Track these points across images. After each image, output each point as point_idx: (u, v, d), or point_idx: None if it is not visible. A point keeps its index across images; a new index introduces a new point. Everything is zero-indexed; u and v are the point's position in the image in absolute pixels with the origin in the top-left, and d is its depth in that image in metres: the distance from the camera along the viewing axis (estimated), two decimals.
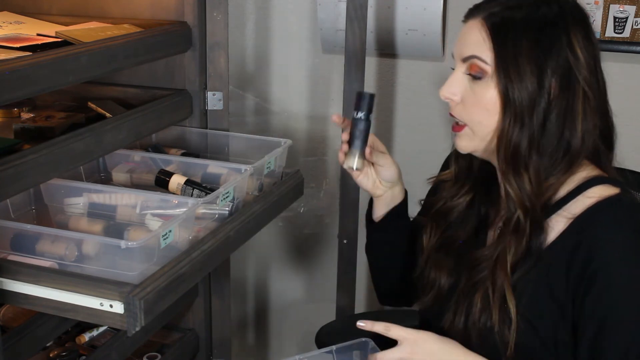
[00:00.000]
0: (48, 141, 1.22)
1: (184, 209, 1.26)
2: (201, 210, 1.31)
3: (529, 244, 1.12)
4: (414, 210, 1.41)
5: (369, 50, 1.90)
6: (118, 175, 1.50)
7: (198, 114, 1.64)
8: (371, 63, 2.02)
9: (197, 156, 1.57)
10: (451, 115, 1.17)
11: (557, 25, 1.09)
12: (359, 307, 2.18)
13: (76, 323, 1.44)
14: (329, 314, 1.98)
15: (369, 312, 2.22)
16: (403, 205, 1.37)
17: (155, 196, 1.32)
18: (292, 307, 2.40)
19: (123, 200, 1.32)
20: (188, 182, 1.38)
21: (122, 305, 1.08)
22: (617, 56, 1.80)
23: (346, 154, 1.23)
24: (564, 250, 1.09)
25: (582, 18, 1.12)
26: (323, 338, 1.64)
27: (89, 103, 1.51)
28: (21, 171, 1.14)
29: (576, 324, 1.09)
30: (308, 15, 2.07)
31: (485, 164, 1.23)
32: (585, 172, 1.14)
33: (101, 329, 1.55)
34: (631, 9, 1.76)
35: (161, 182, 1.40)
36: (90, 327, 1.55)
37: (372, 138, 1.26)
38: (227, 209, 1.36)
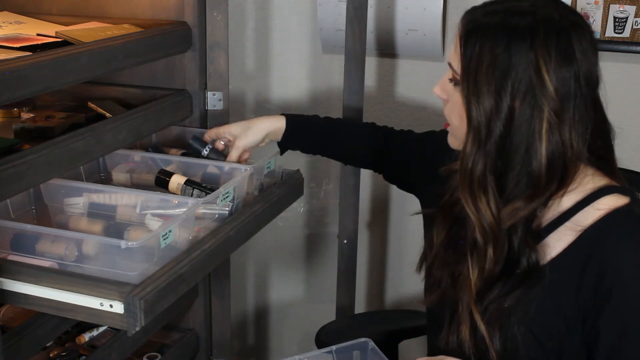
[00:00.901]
0: (48, 141, 1.22)
1: (184, 209, 1.26)
2: (201, 210, 1.31)
3: (518, 263, 1.08)
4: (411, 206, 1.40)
5: (369, 50, 1.90)
6: (118, 175, 1.50)
7: (198, 114, 1.64)
8: (371, 63, 2.02)
9: (196, 156, 1.57)
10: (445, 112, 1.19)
11: (525, 40, 1.01)
12: (359, 307, 2.18)
13: (76, 323, 1.44)
14: (329, 314, 1.98)
15: (369, 312, 2.22)
16: (287, 134, 1.52)
17: (155, 196, 1.32)
18: (292, 307, 2.40)
19: (123, 200, 1.32)
20: (188, 182, 1.38)
21: (122, 305, 1.08)
22: (617, 56, 1.79)
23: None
24: (574, 264, 1.07)
25: (561, 29, 1.03)
26: (323, 338, 1.64)
27: (89, 103, 1.52)
28: (21, 171, 1.14)
29: (587, 339, 1.08)
30: (308, 15, 2.07)
31: None
32: (592, 182, 1.11)
33: (101, 329, 1.55)
34: (631, 9, 1.76)
35: (161, 182, 1.40)
36: (90, 327, 1.55)
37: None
38: (227, 209, 1.36)
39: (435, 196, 1.27)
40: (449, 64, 1.12)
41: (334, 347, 1.30)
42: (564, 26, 1.03)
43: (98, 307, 1.10)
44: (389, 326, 1.69)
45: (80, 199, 1.33)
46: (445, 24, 1.93)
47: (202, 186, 1.39)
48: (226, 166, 1.48)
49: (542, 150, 1.03)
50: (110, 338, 1.47)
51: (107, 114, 1.47)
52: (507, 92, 1.03)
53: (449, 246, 1.22)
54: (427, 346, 1.34)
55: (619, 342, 1.04)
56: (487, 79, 1.03)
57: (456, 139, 1.16)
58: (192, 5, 1.56)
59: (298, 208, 2.23)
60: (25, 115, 1.52)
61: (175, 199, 1.31)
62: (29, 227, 1.20)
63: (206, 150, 1.52)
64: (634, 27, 1.77)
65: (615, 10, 1.77)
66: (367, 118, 1.96)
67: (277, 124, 1.52)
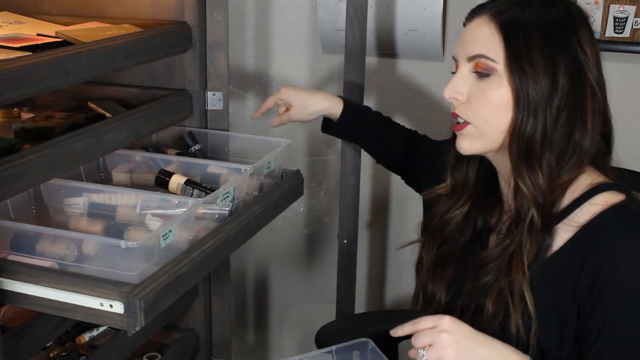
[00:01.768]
0: (48, 141, 1.22)
1: (184, 209, 1.26)
2: (201, 210, 1.31)
3: (539, 247, 1.11)
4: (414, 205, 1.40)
5: (369, 50, 1.90)
6: (118, 175, 1.50)
7: (198, 114, 1.64)
8: (371, 63, 2.02)
9: (194, 155, 1.57)
10: (454, 115, 1.16)
11: (567, 24, 1.09)
12: (359, 307, 2.18)
13: (76, 323, 1.43)
14: (329, 314, 1.98)
15: (369, 313, 2.22)
16: (342, 119, 1.57)
17: (155, 196, 1.32)
18: (292, 307, 2.40)
19: (123, 200, 1.32)
20: (188, 182, 1.38)
21: (122, 305, 1.08)
22: (617, 56, 1.79)
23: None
24: (571, 261, 1.08)
25: (586, 20, 1.13)
26: (323, 338, 1.64)
27: (89, 103, 1.51)
28: (21, 171, 1.14)
29: (580, 335, 1.08)
30: (308, 15, 2.07)
31: (482, 173, 1.23)
32: (589, 178, 1.13)
33: (101, 329, 1.55)
34: (631, 9, 1.76)
35: (161, 182, 1.40)
36: (90, 327, 1.55)
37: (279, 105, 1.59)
38: (227, 209, 1.36)
39: (424, 222, 1.33)
40: (478, 55, 1.11)
41: (334, 347, 1.30)
42: (586, 18, 1.13)
43: (98, 307, 1.10)
44: (389, 326, 1.68)
45: (80, 199, 1.33)
46: (445, 24, 1.93)
47: (202, 186, 1.39)
48: (226, 166, 1.48)
49: (589, 122, 1.10)
50: (110, 338, 1.47)
51: (107, 114, 1.47)
52: (561, 66, 1.08)
53: (438, 264, 1.25)
54: None
55: (613, 337, 1.05)
56: (542, 55, 1.07)
57: (476, 139, 1.14)
58: (192, 5, 1.56)
59: (298, 208, 2.23)
60: (25, 115, 1.52)
61: (175, 199, 1.31)
62: (29, 227, 1.20)
63: (193, 149, 1.57)
64: (634, 27, 1.77)
65: (615, 10, 1.77)
66: None
67: (334, 110, 1.58)
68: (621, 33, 1.78)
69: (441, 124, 1.99)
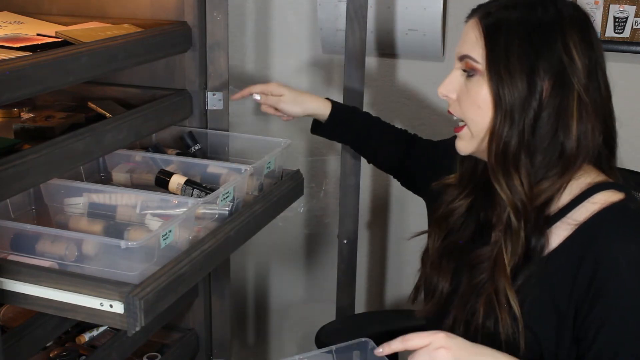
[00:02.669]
0: (48, 141, 1.22)
1: (184, 209, 1.26)
2: (201, 210, 1.31)
3: (527, 248, 1.11)
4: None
5: (369, 50, 1.90)
6: (118, 175, 1.50)
7: (198, 114, 1.64)
8: (371, 63, 2.02)
9: (194, 155, 1.57)
10: (449, 112, 1.18)
11: (553, 26, 1.08)
12: (359, 307, 2.18)
13: (76, 323, 1.43)
14: (329, 314, 1.98)
15: (369, 313, 2.22)
16: (330, 120, 1.59)
17: (155, 196, 1.32)
18: (292, 307, 2.40)
19: (123, 200, 1.32)
20: (188, 182, 1.38)
21: (122, 305, 1.08)
22: (617, 56, 1.79)
23: None
24: (569, 260, 1.08)
25: (581, 21, 1.11)
26: (323, 338, 1.64)
27: (89, 103, 1.52)
28: (21, 171, 1.14)
29: (578, 334, 1.08)
30: (308, 16, 2.07)
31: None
32: (589, 177, 1.13)
33: (101, 329, 1.55)
34: (631, 9, 1.76)
35: (161, 182, 1.40)
36: (90, 327, 1.55)
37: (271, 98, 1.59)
38: (227, 209, 1.37)
39: (431, 210, 1.33)
40: (465, 56, 1.12)
41: (334, 347, 1.30)
42: (581, 16, 1.11)
43: (98, 307, 1.10)
44: (389, 326, 1.69)
45: (80, 199, 1.33)
46: (445, 24, 1.93)
47: (202, 186, 1.39)
48: (226, 166, 1.49)
49: (574, 127, 1.08)
50: (110, 338, 1.47)
51: (107, 114, 1.47)
52: (539, 72, 1.07)
53: (444, 255, 1.25)
54: None
55: (612, 336, 1.05)
56: (519, 62, 1.07)
57: (470, 139, 1.15)
58: (192, 5, 1.56)
59: (298, 208, 2.23)
60: (25, 115, 1.52)
61: (175, 199, 1.31)
62: (29, 227, 1.20)
63: (193, 149, 1.58)
64: (634, 27, 1.77)
65: (615, 10, 1.77)
66: None
67: (322, 110, 1.60)
68: (621, 33, 1.78)
69: (441, 124, 1.99)
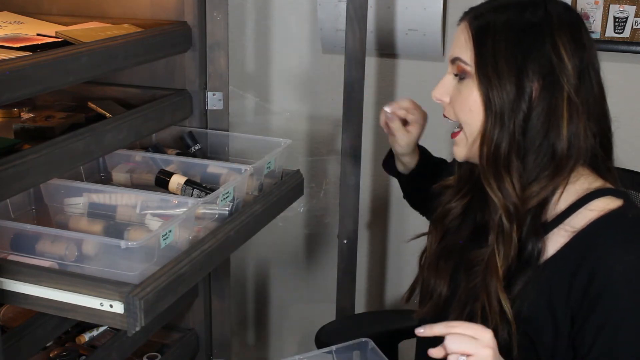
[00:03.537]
0: (48, 141, 1.22)
1: (184, 209, 1.26)
2: (201, 210, 1.31)
3: (524, 254, 1.10)
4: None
5: (369, 50, 1.90)
6: (118, 175, 1.50)
7: (198, 114, 1.64)
8: (371, 63, 2.02)
9: (194, 155, 1.57)
10: (444, 116, 1.18)
11: (542, 28, 1.07)
12: (359, 307, 2.18)
13: (76, 323, 1.43)
14: (329, 314, 1.98)
15: (369, 313, 2.22)
16: (419, 167, 1.47)
17: (155, 196, 1.32)
18: (292, 307, 2.40)
19: (123, 200, 1.32)
20: (188, 182, 1.38)
21: (122, 305, 1.08)
22: (617, 56, 1.79)
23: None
24: (566, 266, 1.07)
25: (571, 21, 1.10)
26: (323, 338, 1.64)
27: (89, 103, 1.51)
28: (21, 171, 1.14)
29: (574, 342, 1.08)
30: (308, 16, 2.07)
31: None
32: (586, 182, 1.12)
33: (101, 329, 1.55)
34: (631, 9, 1.76)
35: (161, 182, 1.40)
36: (90, 327, 1.55)
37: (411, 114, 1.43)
38: (227, 209, 1.36)
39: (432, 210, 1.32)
40: (456, 59, 1.13)
41: (334, 347, 1.30)
42: (573, 17, 1.11)
43: (98, 307, 1.10)
44: (389, 326, 1.69)
45: (80, 199, 1.33)
46: (445, 24, 1.93)
47: (202, 186, 1.39)
48: (226, 166, 1.48)
49: (564, 128, 1.07)
50: (110, 338, 1.47)
51: (107, 114, 1.47)
52: (528, 74, 1.07)
53: (441, 256, 1.25)
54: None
55: (609, 342, 1.04)
56: (507, 64, 1.07)
57: (465, 144, 1.15)
58: (192, 5, 1.56)
59: (298, 208, 2.23)
60: (25, 115, 1.52)
61: (175, 199, 1.31)
62: (29, 227, 1.20)
63: (193, 149, 1.57)
64: (634, 27, 1.77)
65: (615, 10, 1.77)
66: (367, 118, 1.96)
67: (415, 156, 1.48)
68: (621, 33, 1.78)
69: (441, 124, 1.99)
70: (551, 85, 1.07)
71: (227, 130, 1.67)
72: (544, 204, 1.11)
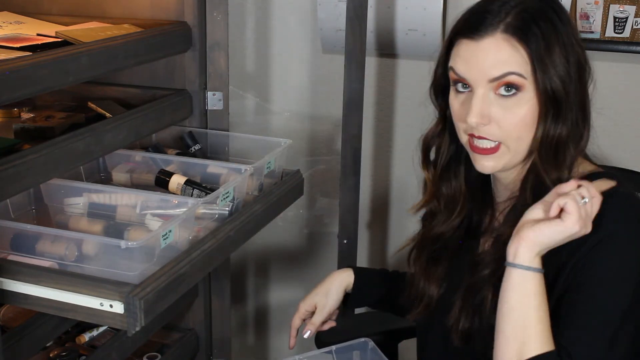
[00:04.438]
0: (48, 141, 1.22)
1: (184, 209, 1.26)
2: (201, 210, 1.31)
3: None
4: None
5: (369, 50, 1.90)
6: (118, 175, 1.50)
7: (198, 114, 1.64)
8: (371, 63, 2.02)
9: (194, 155, 1.57)
10: (479, 137, 1.13)
11: (562, 15, 1.12)
12: None
13: (76, 323, 1.43)
14: None
15: (369, 312, 2.22)
16: (355, 295, 1.46)
17: (155, 196, 1.32)
18: (292, 307, 2.39)
19: (123, 200, 1.32)
20: (188, 182, 1.38)
21: (122, 305, 1.08)
22: (617, 56, 1.79)
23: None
24: (563, 248, 1.08)
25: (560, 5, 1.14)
26: (323, 338, 1.64)
27: (89, 103, 1.52)
28: (21, 171, 1.14)
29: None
30: (308, 15, 2.07)
31: (469, 177, 1.24)
32: (581, 167, 1.15)
33: (101, 329, 1.55)
34: (631, 9, 1.76)
35: (161, 182, 1.40)
36: (90, 327, 1.55)
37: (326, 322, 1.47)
38: (227, 209, 1.36)
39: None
40: (507, 74, 1.08)
41: (334, 347, 1.30)
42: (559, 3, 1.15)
43: (98, 307, 1.10)
44: (389, 326, 1.69)
45: (80, 199, 1.33)
46: (445, 24, 1.93)
47: (202, 186, 1.39)
48: (226, 166, 1.48)
49: (587, 109, 1.14)
50: (110, 338, 1.47)
51: (107, 114, 1.47)
52: (570, 59, 1.10)
53: (430, 261, 1.27)
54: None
55: (582, 299, 1.06)
56: (561, 55, 1.09)
57: (504, 156, 1.13)
58: (192, 5, 1.56)
59: (298, 208, 2.23)
60: (25, 115, 1.52)
61: (175, 199, 1.31)
62: (29, 227, 1.20)
63: (193, 149, 1.57)
64: (634, 27, 1.77)
65: (615, 10, 1.77)
66: (367, 118, 1.96)
67: (348, 279, 1.47)
68: (621, 33, 1.78)
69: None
70: (581, 66, 1.12)
71: (227, 130, 1.67)
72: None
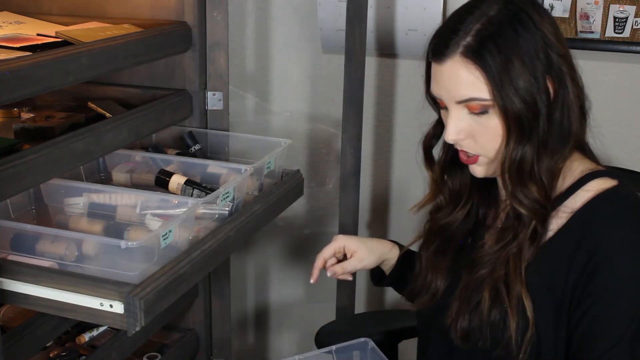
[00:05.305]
0: (48, 141, 1.22)
1: (184, 209, 1.26)
2: (201, 210, 1.31)
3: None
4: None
5: (369, 50, 1.90)
6: (118, 175, 1.50)
7: (198, 114, 1.64)
8: (371, 63, 2.02)
9: (194, 155, 1.57)
10: (462, 151, 1.15)
11: (522, 21, 1.06)
12: (359, 307, 2.18)
13: (76, 323, 1.44)
14: (329, 314, 1.98)
15: (369, 312, 2.22)
16: (396, 270, 1.42)
17: (155, 196, 1.32)
18: (292, 307, 2.40)
19: (123, 200, 1.32)
20: (188, 182, 1.38)
21: (122, 305, 1.08)
22: (617, 56, 1.79)
23: None
24: (565, 246, 1.09)
25: (533, 2, 1.09)
26: (323, 338, 1.64)
27: (89, 103, 1.52)
28: (21, 171, 1.14)
29: (570, 322, 1.09)
30: (308, 15, 2.07)
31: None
32: (581, 165, 1.15)
33: (101, 329, 1.56)
34: (631, 9, 1.76)
35: (161, 182, 1.40)
36: (90, 327, 1.55)
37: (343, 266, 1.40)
38: (227, 209, 1.37)
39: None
40: (470, 99, 1.08)
41: (333, 347, 1.30)
42: (526, 2, 1.09)
43: (98, 307, 1.10)
44: (388, 326, 1.69)
45: (80, 199, 1.34)
46: None
47: (202, 186, 1.39)
48: (226, 166, 1.49)
49: (573, 113, 1.10)
50: (110, 338, 1.47)
51: (107, 114, 1.47)
52: (536, 68, 1.06)
53: (438, 252, 1.26)
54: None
55: (597, 314, 1.06)
56: (521, 71, 1.05)
57: (490, 165, 1.14)
58: (192, 5, 1.56)
59: (298, 208, 2.23)
60: (25, 115, 1.52)
61: (175, 199, 1.31)
62: (29, 227, 1.20)
63: (194, 149, 1.57)
64: (634, 27, 1.77)
65: (615, 10, 1.77)
66: (367, 118, 1.96)
67: (393, 253, 1.43)
68: (621, 33, 1.78)
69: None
70: (558, 75, 1.08)
71: (227, 130, 1.67)
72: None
